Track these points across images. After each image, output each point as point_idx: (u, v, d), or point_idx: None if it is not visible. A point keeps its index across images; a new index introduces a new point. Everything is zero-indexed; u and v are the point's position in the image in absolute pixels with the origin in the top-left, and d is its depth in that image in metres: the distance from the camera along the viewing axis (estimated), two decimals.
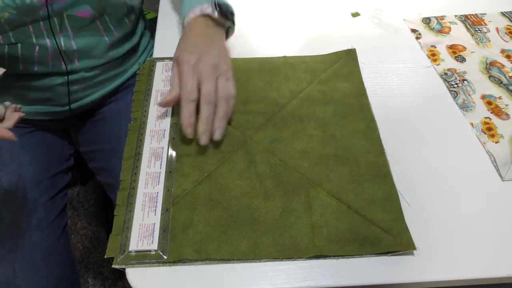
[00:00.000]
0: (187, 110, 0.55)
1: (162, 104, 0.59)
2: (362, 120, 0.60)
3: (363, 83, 0.66)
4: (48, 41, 0.66)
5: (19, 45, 0.65)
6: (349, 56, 0.70)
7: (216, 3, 0.63)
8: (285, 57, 0.70)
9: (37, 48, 0.66)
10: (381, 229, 0.49)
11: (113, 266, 0.46)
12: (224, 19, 0.63)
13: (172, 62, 0.66)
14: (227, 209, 0.51)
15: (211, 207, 0.51)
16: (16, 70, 0.68)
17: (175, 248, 0.47)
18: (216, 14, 0.62)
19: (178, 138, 0.58)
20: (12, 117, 0.53)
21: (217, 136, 0.55)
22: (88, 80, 0.74)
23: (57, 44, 0.67)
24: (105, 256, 0.47)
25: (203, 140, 0.54)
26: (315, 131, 0.59)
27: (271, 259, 0.47)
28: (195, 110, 0.56)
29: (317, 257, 0.47)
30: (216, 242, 0.48)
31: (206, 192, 0.52)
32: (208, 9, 0.62)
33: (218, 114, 0.56)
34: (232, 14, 0.66)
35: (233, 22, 0.66)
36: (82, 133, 0.82)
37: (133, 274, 0.46)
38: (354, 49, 0.71)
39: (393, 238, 0.48)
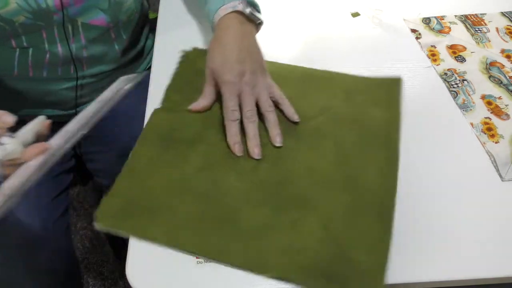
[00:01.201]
0: (231, 130, 0.56)
1: (192, 109, 0.60)
2: (384, 153, 0.56)
3: (400, 115, 0.60)
4: (60, 49, 0.67)
5: (30, 50, 0.65)
6: (394, 84, 0.65)
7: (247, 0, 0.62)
8: (327, 71, 0.67)
9: (47, 54, 0.66)
10: (356, 270, 0.45)
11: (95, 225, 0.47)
12: (254, 16, 0.62)
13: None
14: (213, 205, 0.51)
15: (198, 198, 0.51)
16: (26, 75, 0.68)
17: (143, 224, 0.48)
18: (248, 11, 0.60)
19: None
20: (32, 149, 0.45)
21: (278, 142, 0.56)
22: (96, 84, 0.75)
23: (69, 51, 0.68)
24: None
25: (256, 154, 0.55)
26: (330, 152, 0.56)
27: (236, 266, 0.46)
28: (239, 128, 0.57)
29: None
30: (189, 233, 0.48)
31: (199, 182, 0.52)
32: (240, 6, 0.60)
33: (269, 125, 0.57)
34: (259, 12, 0.64)
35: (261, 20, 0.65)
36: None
37: (133, 274, 0.46)
38: (400, 79, 0.65)
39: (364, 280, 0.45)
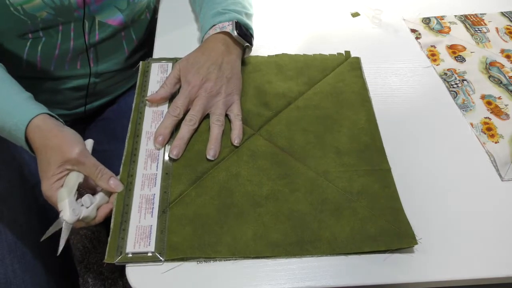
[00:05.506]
0: (166, 122, 0.57)
1: (148, 100, 0.61)
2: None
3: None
4: (72, 43, 0.68)
5: (42, 41, 0.66)
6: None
7: (237, 22, 0.64)
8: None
9: (57, 50, 0.67)
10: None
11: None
12: (243, 39, 0.64)
13: (168, 63, 0.67)
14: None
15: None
16: (34, 69, 0.69)
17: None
18: (235, 33, 0.62)
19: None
20: (102, 212, 0.51)
21: (211, 156, 0.55)
22: (104, 84, 0.76)
23: (80, 47, 0.69)
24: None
25: (172, 153, 0.55)
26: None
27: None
28: (173, 125, 0.57)
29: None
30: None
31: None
32: (229, 27, 0.63)
33: (210, 137, 0.57)
34: (251, 35, 0.66)
35: (251, 43, 0.66)
36: (82, 134, 0.82)
37: (133, 274, 0.46)
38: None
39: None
